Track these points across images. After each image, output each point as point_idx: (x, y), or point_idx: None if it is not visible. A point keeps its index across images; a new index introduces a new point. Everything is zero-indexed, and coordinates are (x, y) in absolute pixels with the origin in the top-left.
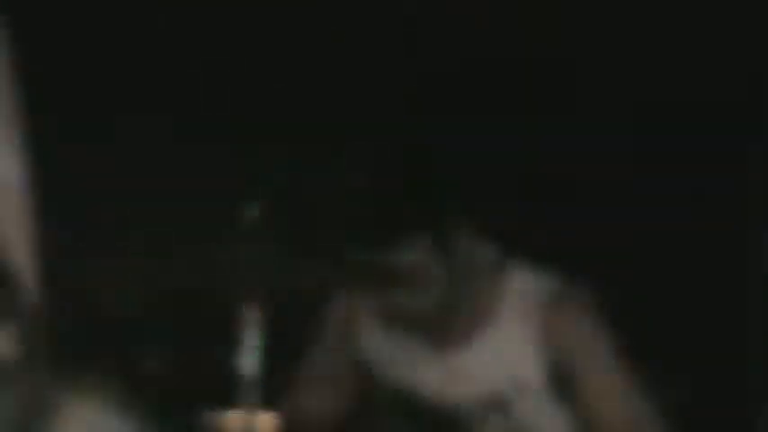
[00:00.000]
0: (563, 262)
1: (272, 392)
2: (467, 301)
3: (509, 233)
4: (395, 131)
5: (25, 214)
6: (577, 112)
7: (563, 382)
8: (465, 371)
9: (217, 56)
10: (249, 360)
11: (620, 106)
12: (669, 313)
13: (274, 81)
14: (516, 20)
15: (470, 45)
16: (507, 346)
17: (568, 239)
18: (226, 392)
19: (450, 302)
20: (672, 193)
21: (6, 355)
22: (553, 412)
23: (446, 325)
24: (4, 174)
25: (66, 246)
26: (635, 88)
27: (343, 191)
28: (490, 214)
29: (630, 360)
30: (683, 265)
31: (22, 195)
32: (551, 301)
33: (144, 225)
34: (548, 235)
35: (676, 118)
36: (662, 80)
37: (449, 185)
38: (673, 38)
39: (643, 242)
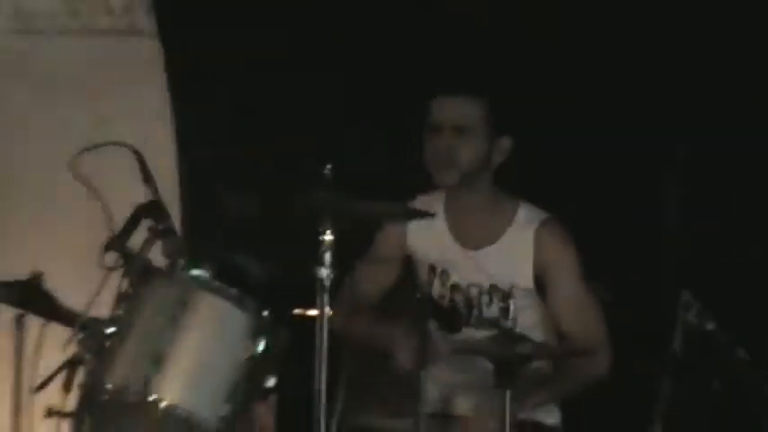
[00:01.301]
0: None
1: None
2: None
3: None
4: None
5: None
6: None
7: (542, 287)
8: (480, 265)
9: None
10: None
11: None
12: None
13: None
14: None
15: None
16: (510, 254)
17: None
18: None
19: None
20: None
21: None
22: (534, 306)
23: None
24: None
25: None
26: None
27: None
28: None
29: (590, 279)
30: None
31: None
32: (542, 229)
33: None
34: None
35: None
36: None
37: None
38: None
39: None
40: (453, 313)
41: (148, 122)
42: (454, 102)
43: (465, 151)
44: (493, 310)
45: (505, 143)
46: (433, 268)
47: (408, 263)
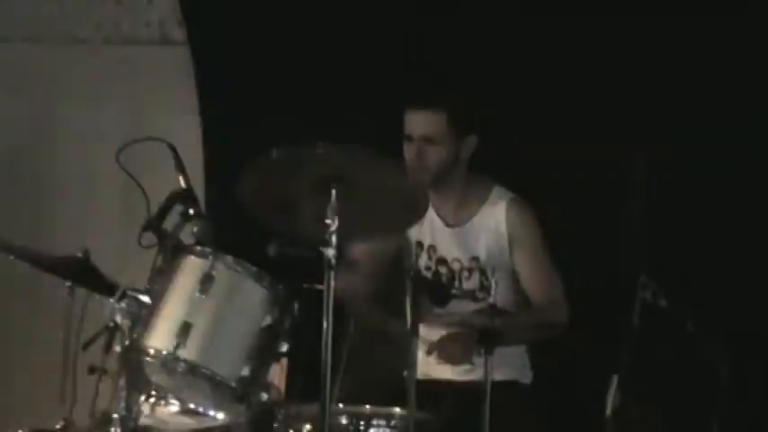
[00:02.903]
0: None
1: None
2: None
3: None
4: None
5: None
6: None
7: (512, 258)
8: (461, 241)
9: None
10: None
11: None
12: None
13: None
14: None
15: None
16: (485, 230)
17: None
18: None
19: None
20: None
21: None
22: (507, 275)
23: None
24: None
25: None
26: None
27: None
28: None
29: (552, 248)
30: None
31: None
32: (511, 207)
33: None
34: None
35: None
36: None
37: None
38: None
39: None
40: (441, 288)
41: (179, 121)
42: (421, 115)
43: (433, 157)
44: (472, 282)
45: (471, 140)
46: (420, 244)
47: (401, 242)
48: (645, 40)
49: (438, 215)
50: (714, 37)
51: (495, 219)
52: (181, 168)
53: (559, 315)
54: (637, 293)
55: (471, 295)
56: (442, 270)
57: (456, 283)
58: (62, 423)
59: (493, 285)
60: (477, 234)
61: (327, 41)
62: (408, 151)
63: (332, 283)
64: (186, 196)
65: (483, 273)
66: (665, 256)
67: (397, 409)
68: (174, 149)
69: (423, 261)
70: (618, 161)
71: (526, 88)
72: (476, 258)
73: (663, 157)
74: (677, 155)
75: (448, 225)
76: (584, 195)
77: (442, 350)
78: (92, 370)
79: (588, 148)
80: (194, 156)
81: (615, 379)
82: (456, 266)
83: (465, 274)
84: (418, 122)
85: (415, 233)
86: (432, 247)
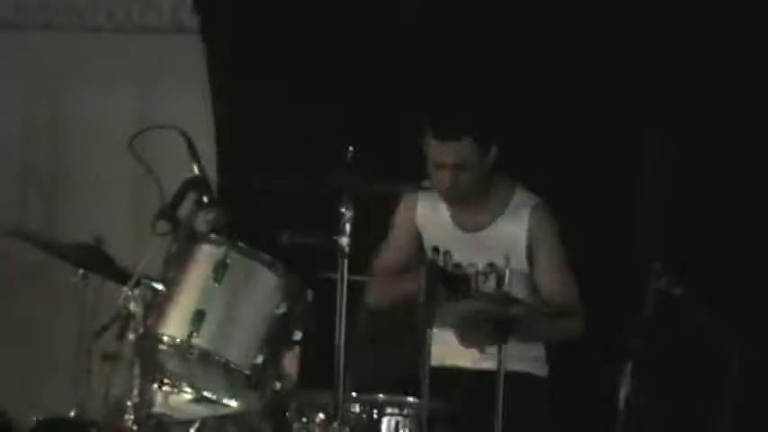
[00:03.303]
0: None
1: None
2: (489, 201)
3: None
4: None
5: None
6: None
7: (531, 262)
8: (478, 246)
9: None
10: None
11: None
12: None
13: None
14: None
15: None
16: (506, 234)
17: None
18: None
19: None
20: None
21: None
22: (524, 280)
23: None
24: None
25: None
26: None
27: None
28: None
29: (570, 254)
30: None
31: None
32: (533, 210)
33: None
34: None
35: None
36: None
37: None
38: None
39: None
40: (462, 278)
41: (191, 108)
42: (452, 146)
43: (465, 181)
44: (489, 286)
45: (493, 151)
46: (436, 249)
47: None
48: (662, 20)
49: (454, 221)
50: (732, 18)
51: (517, 225)
52: (194, 156)
53: (575, 319)
54: (650, 283)
55: (488, 297)
56: (458, 274)
57: (473, 286)
58: (76, 410)
59: (507, 274)
60: (497, 240)
61: (341, 31)
62: (439, 179)
63: (345, 271)
64: (200, 184)
65: (499, 277)
66: (680, 245)
67: (410, 398)
68: (187, 137)
69: None
70: (631, 150)
71: (535, 76)
72: (492, 264)
73: (677, 144)
74: (692, 143)
75: (466, 230)
76: (597, 185)
77: (468, 336)
78: (105, 357)
79: (601, 137)
80: (206, 144)
81: (628, 369)
82: (471, 271)
83: (481, 277)
84: (449, 153)
85: (430, 237)
86: (447, 253)
